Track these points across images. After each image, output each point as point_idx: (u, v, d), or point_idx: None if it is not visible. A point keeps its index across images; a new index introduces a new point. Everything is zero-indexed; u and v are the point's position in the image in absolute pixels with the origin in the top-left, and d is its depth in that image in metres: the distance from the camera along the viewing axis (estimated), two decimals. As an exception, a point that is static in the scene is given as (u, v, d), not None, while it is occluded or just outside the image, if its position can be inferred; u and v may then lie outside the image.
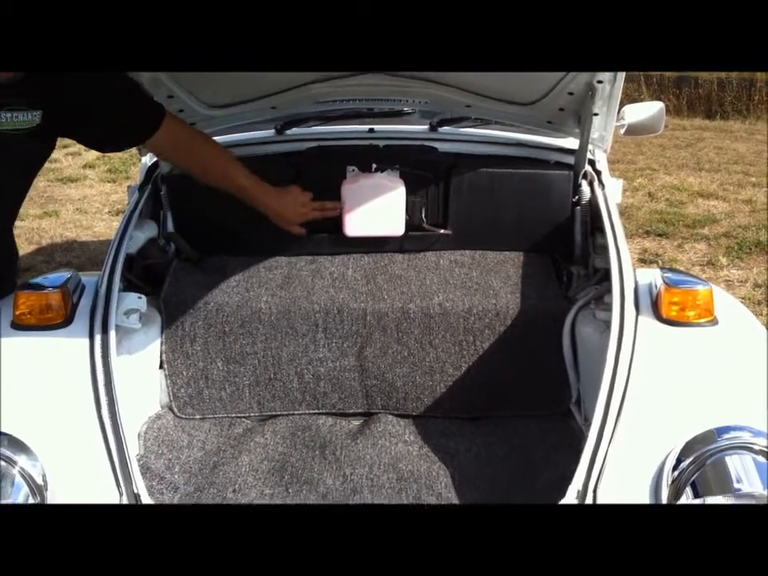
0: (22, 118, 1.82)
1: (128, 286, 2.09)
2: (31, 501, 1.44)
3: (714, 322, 1.78)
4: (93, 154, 7.73)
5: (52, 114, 1.85)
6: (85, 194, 6.49)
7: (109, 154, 7.68)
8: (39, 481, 1.46)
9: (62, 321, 1.81)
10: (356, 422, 2.11)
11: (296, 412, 2.15)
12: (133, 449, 1.63)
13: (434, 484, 1.79)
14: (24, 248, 5.07)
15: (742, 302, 1.99)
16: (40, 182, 6.80)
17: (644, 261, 4.78)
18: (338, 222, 2.34)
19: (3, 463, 1.45)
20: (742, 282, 4.47)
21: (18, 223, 5.33)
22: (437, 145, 2.51)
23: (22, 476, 1.45)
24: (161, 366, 2.13)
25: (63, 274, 1.92)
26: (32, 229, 5.46)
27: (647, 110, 2.78)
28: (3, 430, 1.50)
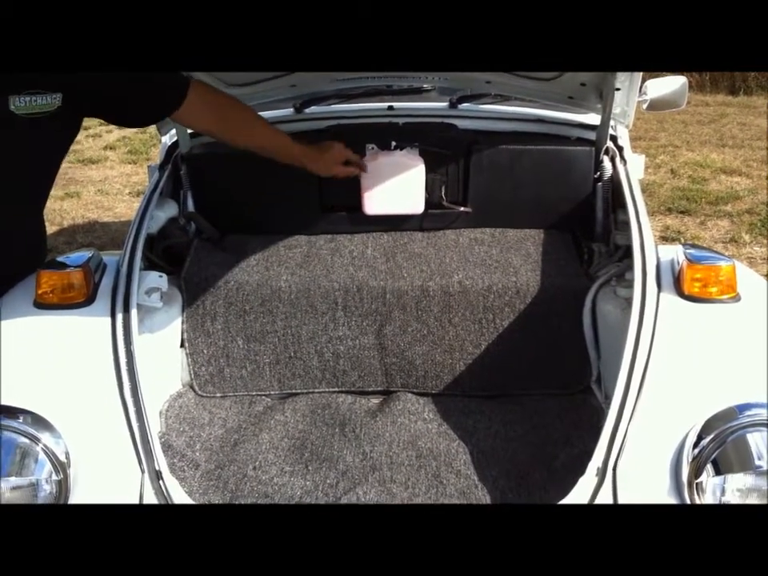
0: (41, 102, 1.82)
1: (149, 266, 2.10)
2: (54, 477, 1.46)
3: (737, 298, 1.76)
4: (113, 136, 7.77)
5: (72, 95, 1.85)
6: (106, 175, 6.52)
7: (129, 135, 7.73)
8: (62, 458, 1.47)
9: (84, 300, 1.82)
10: (375, 400, 2.11)
11: (316, 390, 2.16)
12: (154, 426, 1.64)
13: (453, 461, 1.79)
14: (47, 229, 5.11)
15: (765, 279, 1.97)
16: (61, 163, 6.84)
17: (666, 238, 4.74)
18: (357, 201, 2.34)
19: (27, 440, 1.47)
20: (764, 259, 4.42)
21: (40, 204, 5.29)
22: (457, 122, 2.50)
23: (45, 453, 1.46)
24: (182, 345, 2.14)
25: (85, 254, 1.94)
26: (54, 210, 5.50)
27: (670, 84, 2.74)
28: (27, 408, 1.52)
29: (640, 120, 7.06)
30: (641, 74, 2.17)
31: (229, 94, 2.13)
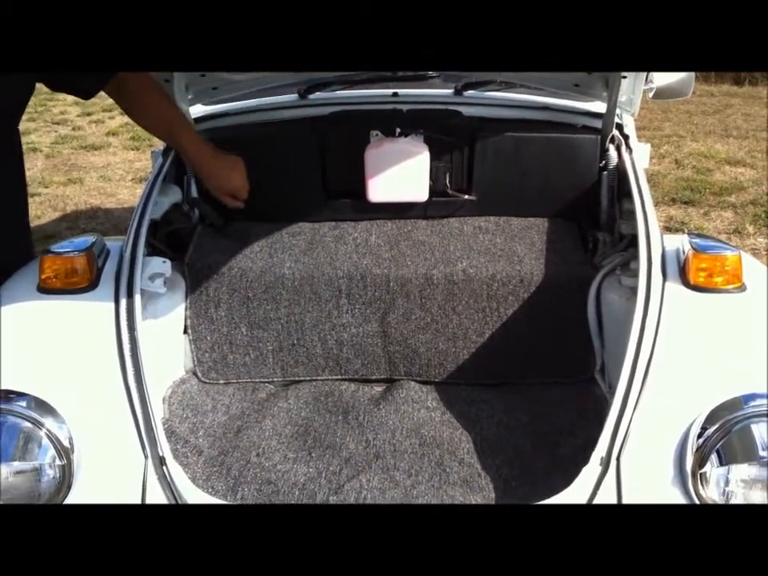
0: None
1: (152, 251, 2.09)
2: (58, 462, 1.46)
3: (742, 288, 1.75)
4: (116, 122, 7.75)
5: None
6: (108, 162, 6.51)
7: (132, 122, 7.70)
8: (66, 443, 1.47)
9: (88, 285, 1.82)
10: (378, 388, 2.11)
11: (319, 377, 2.15)
12: (158, 412, 1.64)
13: (457, 450, 1.79)
14: (49, 215, 5.12)
15: (770, 270, 1.96)
16: (64, 150, 6.84)
17: (669, 229, 4.72)
18: (361, 188, 2.33)
19: (30, 425, 1.47)
20: (768, 250, 4.41)
21: (41, 190, 5.36)
22: (461, 109, 2.48)
23: (49, 438, 1.46)
24: (185, 331, 2.14)
25: (88, 239, 1.93)
26: (56, 196, 5.50)
27: (676, 73, 2.73)
28: (30, 392, 1.52)
29: (644, 110, 7.03)
30: (647, 62, 2.15)
31: (157, 85, 2.13)
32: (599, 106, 2.46)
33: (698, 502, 1.41)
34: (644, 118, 7.28)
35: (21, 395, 1.50)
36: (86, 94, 2.07)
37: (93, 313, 1.76)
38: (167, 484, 1.50)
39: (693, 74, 2.78)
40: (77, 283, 1.82)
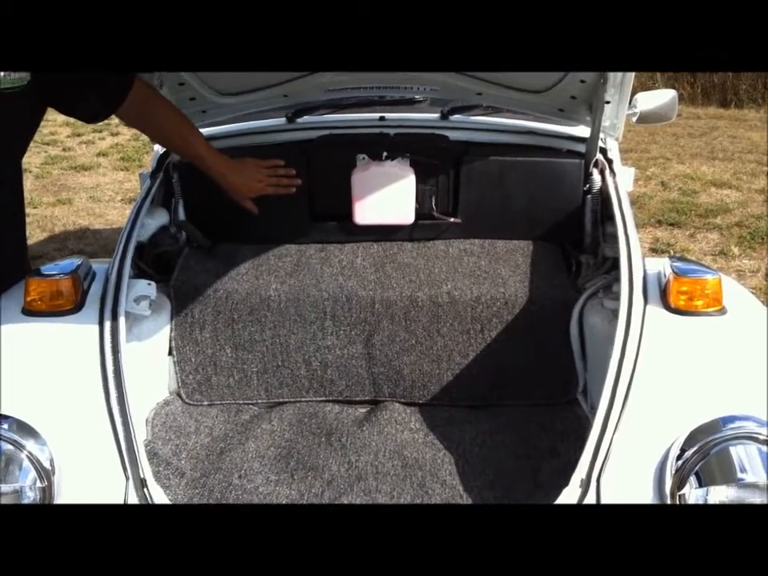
0: (16, 76, 1.83)
1: (139, 273, 2.11)
2: (38, 484, 1.45)
3: (723, 311, 1.77)
4: (106, 143, 7.77)
5: (37, 75, 1.87)
6: (98, 182, 6.52)
7: (122, 142, 7.72)
8: (47, 465, 1.47)
9: (73, 307, 1.83)
10: (363, 410, 2.11)
11: (303, 399, 2.16)
12: (140, 434, 1.64)
13: (439, 471, 1.79)
14: (37, 235, 5.11)
15: (752, 292, 1.98)
16: (54, 170, 6.84)
17: (655, 250, 4.76)
18: (347, 210, 2.34)
19: (11, 447, 1.46)
20: (753, 272, 4.44)
21: (30, 210, 5.34)
22: (448, 133, 2.51)
23: (30, 460, 1.46)
24: (170, 353, 2.14)
25: (74, 261, 1.94)
26: (45, 216, 5.49)
27: (660, 97, 2.76)
28: (11, 414, 1.51)
29: (631, 132, 7.09)
30: (630, 86, 2.18)
31: (162, 97, 2.16)
32: (583, 131, 2.49)
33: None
34: (630, 140, 7.34)
35: (2, 417, 1.50)
36: (95, 118, 2.10)
37: (77, 335, 1.76)
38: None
39: (676, 98, 2.80)
40: (62, 306, 1.82)
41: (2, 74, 1.82)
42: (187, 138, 2.13)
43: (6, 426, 1.48)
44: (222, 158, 2.17)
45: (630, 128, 2.49)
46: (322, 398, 2.15)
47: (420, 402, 2.13)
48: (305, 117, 2.70)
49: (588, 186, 2.36)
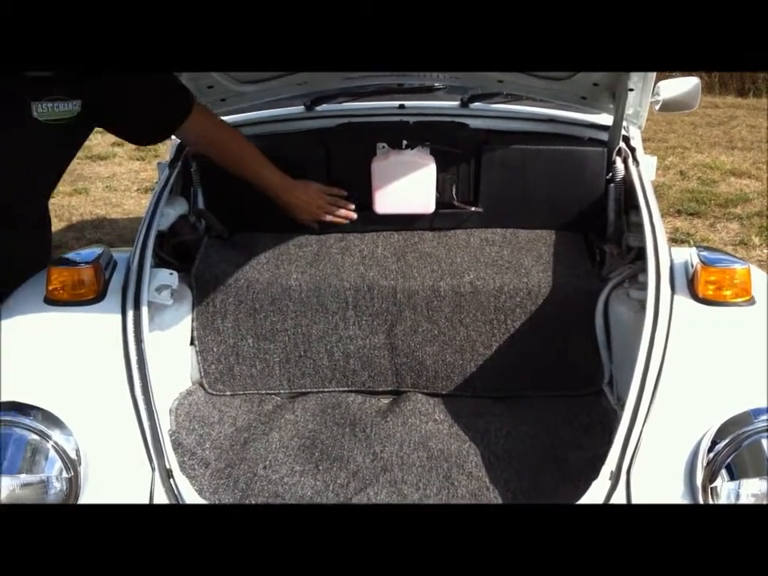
0: (62, 108, 1.89)
1: (159, 263, 2.10)
2: (65, 475, 1.45)
3: (752, 301, 1.74)
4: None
5: (92, 102, 1.90)
6: (114, 172, 6.52)
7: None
8: (73, 455, 1.47)
9: (95, 296, 1.82)
10: (385, 400, 2.10)
11: (326, 389, 2.15)
12: (165, 424, 1.64)
13: (465, 463, 1.78)
14: (55, 225, 5.06)
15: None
16: (70, 160, 6.84)
17: (675, 240, 4.72)
18: (368, 200, 2.33)
19: (37, 437, 1.46)
20: (774, 262, 4.40)
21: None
22: (468, 121, 2.48)
23: (56, 450, 1.46)
24: (192, 343, 2.13)
25: (95, 250, 1.93)
26: (62, 206, 5.50)
27: (682, 85, 2.73)
28: (37, 405, 1.51)
29: (649, 121, 7.00)
30: (654, 74, 2.15)
31: (227, 125, 2.28)
32: (606, 119, 2.46)
33: (708, 516, 1.40)
34: (649, 129, 7.26)
35: (28, 407, 1.50)
36: (150, 143, 2.23)
37: (100, 325, 1.76)
38: (174, 497, 1.49)
39: (699, 86, 2.77)
40: (84, 295, 1.82)
41: (49, 105, 1.84)
42: (244, 160, 2.19)
43: (31, 417, 1.48)
44: (282, 179, 2.24)
45: (648, 117, 2.46)
46: (344, 389, 2.14)
47: (443, 392, 2.12)
48: (323, 105, 2.68)
49: (611, 174, 2.33)
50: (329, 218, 2.32)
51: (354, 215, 2.34)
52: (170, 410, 1.93)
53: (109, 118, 2.02)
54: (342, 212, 2.33)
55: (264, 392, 2.14)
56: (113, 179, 6.31)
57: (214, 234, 2.38)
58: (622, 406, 1.57)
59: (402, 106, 2.64)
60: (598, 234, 2.34)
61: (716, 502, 1.41)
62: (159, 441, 1.54)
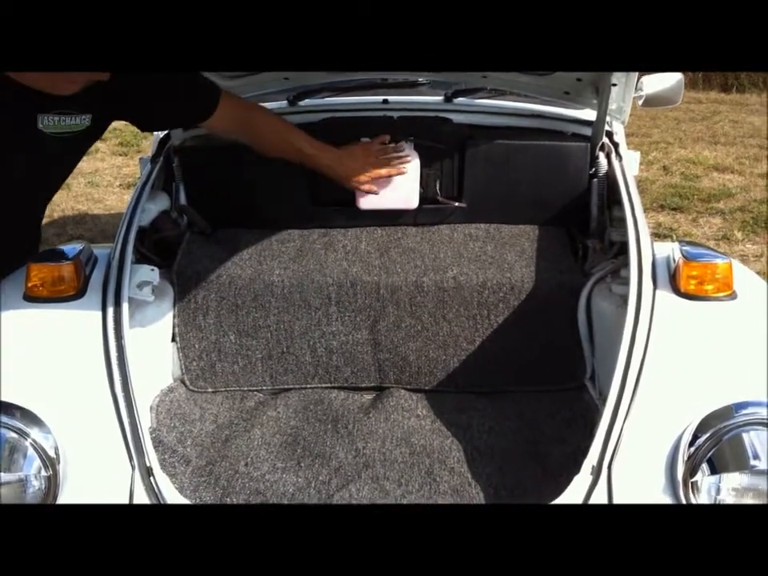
0: (70, 122, 1.87)
1: (140, 259, 2.08)
2: (43, 473, 1.44)
3: (733, 296, 1.75)
4: (103, 127, 7.71)
5: (103, 116, 1.92)
6: (96, 168, 6.48)
7: (120, 127, 7.66)
8: (51, 453, 1.46)
9: (75, 293, 1.80)
10: (368, 396, 2.10)
11: (308, 386, 2.14)
12: (145, 422, 1.62)
13: (447, 458, 1.77)
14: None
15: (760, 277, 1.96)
16: (52, 155, 6.79)
17: (658, 235, 4.74)
18: (351, 195, 2.32)
19: (15, 435, 1.45)
20: (757, 256, 4.43)
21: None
22: (452, 116, 2.48)
23: (35, 448, 1.45)
24: (173, 339, 2.12)
25: (76, 246, 1.91)
26: (44, 201, 5.45)
27: (666, 80, 2.73)
28: (15, 402, 1.50)
29: (632, 116, 7.02)
30: (637, 69, 2.15)
31: (256, 104, 2.22)
32: (589, 114, 2.46)
33: (689, 510, 1.41)
34: (632, 124, 7.30)
35: (6, 405, 1.48)
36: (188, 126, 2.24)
37: (80, 321, 1.74)
38: (154, 495, 1.48)
39: (682, 81, 2.77)
40: (64, 291, 1.80)
41: (56, 118, 1.83)
42: (288, 139, 2.15)
43: (9, 415, 1.47)
44: (327, 151, 2.19)
45: (631, 112, 2.47)
46: (327, 385, 2.14)
47: (426, 388, 2.11)
48: (306, 100, 2.66)
49: (594, 169, 2.33)
50: (384, 172, 2.24)
51: (408, 158, 2.27)
52: (151, 407, 1.92)
53: (126, 113, 2.01)
54: (396, 160, 2.26)
55: (246, 389, 2.13)
56: (95, 174, 6.26)
57: (196, 229, 2.36)
58: (604, 401, 1.57)
59: (385, 101, 2.63)
60: (580, 228, 2.34)
61: (697, 496, 1.41)
62: (139, 438, 1.53)
